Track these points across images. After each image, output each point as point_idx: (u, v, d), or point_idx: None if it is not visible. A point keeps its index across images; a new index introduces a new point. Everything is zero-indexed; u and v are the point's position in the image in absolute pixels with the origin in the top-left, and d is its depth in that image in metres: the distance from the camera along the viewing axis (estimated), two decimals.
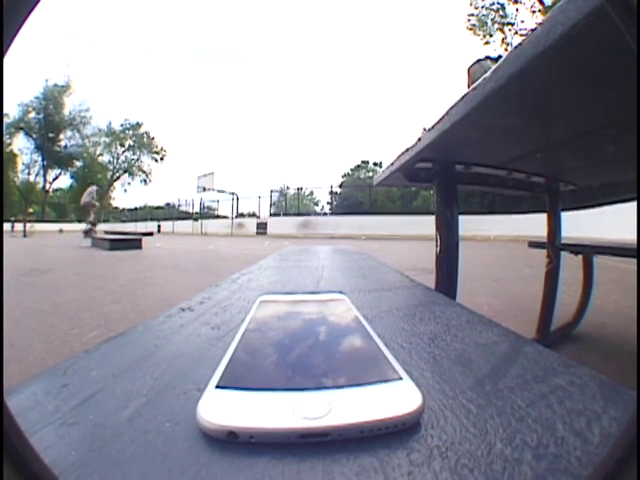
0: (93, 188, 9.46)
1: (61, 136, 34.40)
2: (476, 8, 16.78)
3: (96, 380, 0.23)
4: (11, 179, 30.41)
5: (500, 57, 0.56)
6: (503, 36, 16.82)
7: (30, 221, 19.61)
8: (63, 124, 34.03)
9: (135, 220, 28.75)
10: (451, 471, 0.14)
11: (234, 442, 0.16)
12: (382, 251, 6.07)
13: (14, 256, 5.59)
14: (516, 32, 16.39)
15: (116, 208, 38.17)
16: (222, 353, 0.23)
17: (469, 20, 17.07)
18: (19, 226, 16.62)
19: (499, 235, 11.03)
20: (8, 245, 8.78)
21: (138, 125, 37.07)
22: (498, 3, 16.41)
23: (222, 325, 0.35)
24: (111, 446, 0.16)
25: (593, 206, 8.57)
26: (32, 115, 32.92)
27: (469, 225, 9.16)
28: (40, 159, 33.71)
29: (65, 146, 34.69)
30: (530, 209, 9.55)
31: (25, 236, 14.80)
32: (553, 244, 1.51)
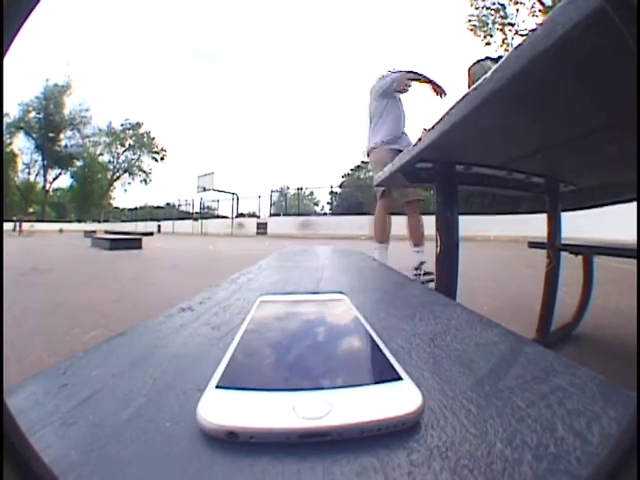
0: None
1: (61, 136, 34.47)
2: (477, 8, 16.80)
3: (96, 380, 0.23)
4: (11, 179, 30.43)
5: (500, 57, 0.56)
6: (503, 36, 16.84)
7: (28, 221, 19.66)
8: (63, 124, 34.07)
9: (135, 220, 28.78)
10: (451, 471, 0.14)
11: (234, 442, 0.16)
12: None
13: (12, 255, 5.59)
14: (516, 32, 16.40)
15: (116, 208, 38.23)
16: (222, 353, 0.23)
17: (470, 20, 17.08)
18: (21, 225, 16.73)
19: (499, 235, 11.03)
20: (7, 245, 8.77)
21: (138, 125, 37.13)
22: (499, 3, 16.42)
23: (222, 325, 0.35)
24: (111, 446, 0.16)
25: (593, 207, 8.57)
26: (32, 115, 32.99)
27: (469, 225, 9.16)
28: (40, 159, 33.79)
29: (65, 146, 34.77)
30: (530, 209, 9.56)
31: (21, 233, 14.85)
32: (553, 244, 1.51)
